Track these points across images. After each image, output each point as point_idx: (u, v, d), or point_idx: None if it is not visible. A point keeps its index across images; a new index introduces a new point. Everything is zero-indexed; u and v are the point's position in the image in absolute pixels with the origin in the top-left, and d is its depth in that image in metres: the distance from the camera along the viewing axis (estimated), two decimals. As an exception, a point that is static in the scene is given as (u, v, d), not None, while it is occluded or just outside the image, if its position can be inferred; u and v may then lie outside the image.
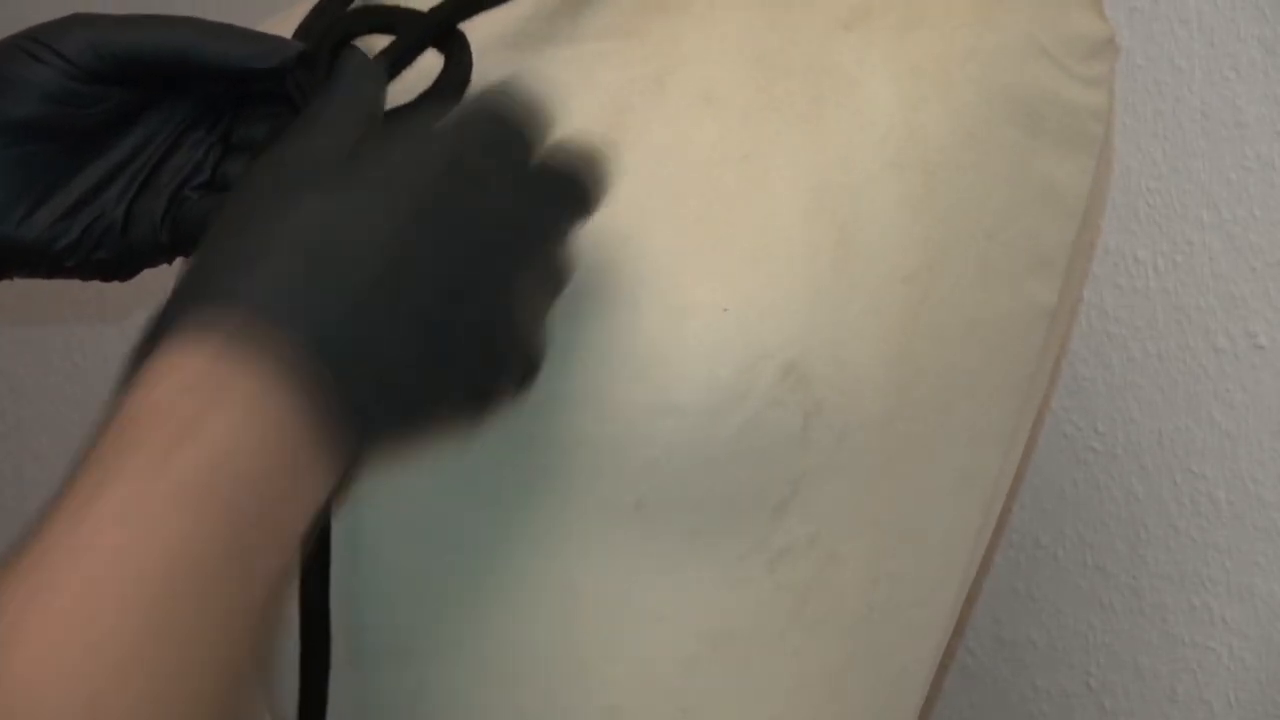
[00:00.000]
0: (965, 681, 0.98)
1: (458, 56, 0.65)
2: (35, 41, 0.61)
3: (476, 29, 0.67)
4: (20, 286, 0.69)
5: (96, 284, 0.68)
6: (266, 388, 0.50)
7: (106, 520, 0.47)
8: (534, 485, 0.65)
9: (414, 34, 0.64)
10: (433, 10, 0.66)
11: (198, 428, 0.49)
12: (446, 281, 0.55)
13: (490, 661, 0.66)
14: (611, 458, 0.63)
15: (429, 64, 0.65)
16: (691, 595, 0.65)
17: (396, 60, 0.64)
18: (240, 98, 0.65)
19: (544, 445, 0.64)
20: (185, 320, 0.51)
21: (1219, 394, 0.88)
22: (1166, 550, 0.91)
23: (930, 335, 0.65)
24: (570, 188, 0.59)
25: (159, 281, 0.71)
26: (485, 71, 0.65)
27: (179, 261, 0.67)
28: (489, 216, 0.56)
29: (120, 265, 0.65)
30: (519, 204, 0.57)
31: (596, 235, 0.62)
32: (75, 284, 0.69)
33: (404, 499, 0.67)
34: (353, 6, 0.68)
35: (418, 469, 0.68)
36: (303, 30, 0.66)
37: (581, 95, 0.66)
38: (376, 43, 0.65)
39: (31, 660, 0.44)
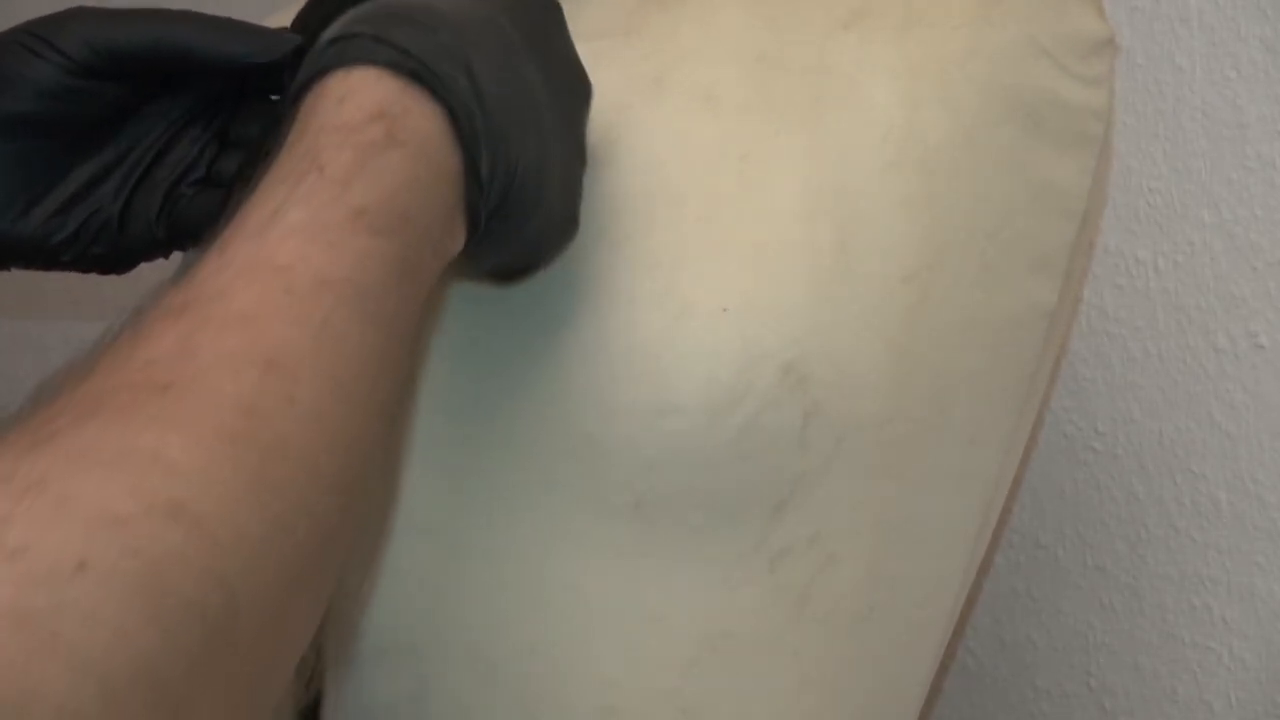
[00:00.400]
0: (965, 681, 0.98)
1: None
2: (33, 36, 0.61)
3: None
4: (20, 284, 0.69)
5: (96, 280, 0.68)
6: (441, 137, 0.54)
7: (288, 235, 0.49)
8: (533, 485, 0.65)
9: None
10: None
11: (380, 156, 0.52)
12: (552, 96, 0.58)
13: (490, 661, 0.66)
14: (610, 457, 0.63)
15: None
16: (691, 595, 0.65)
17: None
18: (237, 93, 0.65)
19: (543, 445, 0.64)
20: (364, 58, 0.53)
21: (1220, 394, 0.88)
22: (1167, 550, 0.91)
23: (930, 335, 0.65)
24: (584, 75, 0.62)
25: (158, 275, 0.72)
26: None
27: (176, 256, 0.67)
28: (557, 59, 0.60)
29: (117, 260, 0.66)
30: (570, 62, 0.61)
31: (595, 235, 0.62)
32: (75, 282, 0.69)
33: (405, 498, 0.67)
34: None
35: (417, 469, 0.68)
36: (299, 22, 0.66)
37: (581, 94, 0.66)
38: None
39: (205, 364, 0.46)
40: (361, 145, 0.52)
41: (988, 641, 0.98)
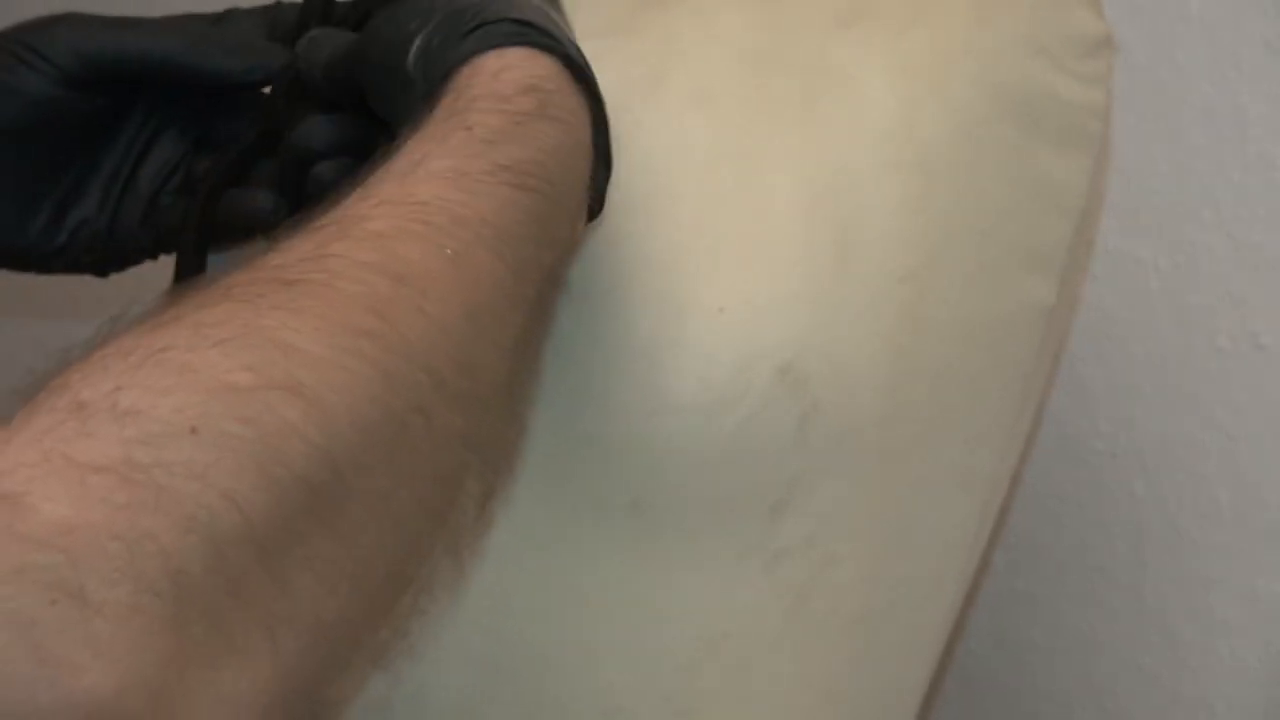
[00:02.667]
0: (965, 681, 0.98)
1: None
2: (22, 45, 0.61)
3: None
4: (16, 282, 0.70)
5: (95, 280, 0.69)
6: (584, 119, 0.57)
7: (430, 178, 0.51)
8: (531, 485, 0.65)
9: None
10: None
11: (530, 124, 0.54)
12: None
13: (489, 661, 0.66)
14: (608, 457, 0.63)
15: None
16: (689, 596, 0.65)
17: None
18: (217, 97, 0.65)
19: (541, 446, 0.64)
20: (516, 40, 0.56)
21: (1221, 394, 0.88)
22: (1168, 551, 0.90)
23: (928, 334, 0.65)
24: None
25: (156, 273, 0.72)
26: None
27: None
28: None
29: (106, 264, 0.66)
30: None
31: (593, 235, 0.62)
32: (73, 281, 0.69)
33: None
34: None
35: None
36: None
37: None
38: None
39: (336, 269, 0.47)
40: (512, 113, 0.54)
41: (987, 642, 0.98)
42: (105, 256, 0.66)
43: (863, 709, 0.69)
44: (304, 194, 0.61)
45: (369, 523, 0.45)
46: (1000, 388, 0.69)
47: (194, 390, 0.41)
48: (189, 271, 0.63)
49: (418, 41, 0.56)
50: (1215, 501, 0.89)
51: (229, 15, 0.65)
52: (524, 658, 0.66)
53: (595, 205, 0.58)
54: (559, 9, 0.62)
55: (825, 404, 0.63)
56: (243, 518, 0.41)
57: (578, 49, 0.57)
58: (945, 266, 0.65)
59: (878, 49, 0.66)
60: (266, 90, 0.64)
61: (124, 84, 0.63)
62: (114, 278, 0.68)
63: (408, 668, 0.68)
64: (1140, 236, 0.91)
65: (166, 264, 0.71)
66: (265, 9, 0.66)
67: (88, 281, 0.70)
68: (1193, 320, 0.89)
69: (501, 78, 0.55)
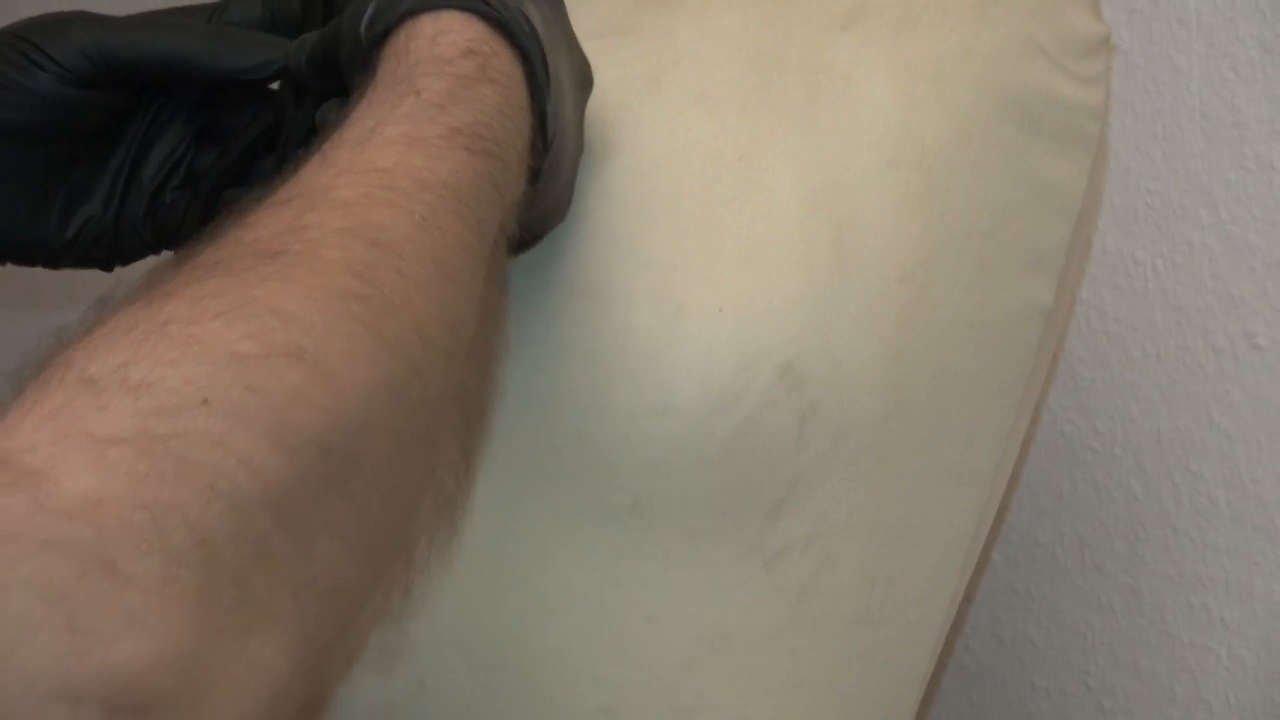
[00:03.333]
0: (964, 681, 0.98)
1: None
2: (31, 45, 0.61)
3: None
4: (13, 275, 0.70)
5: (93, 275, 0.69)
6: (520, 82, 0.57)
7: (388, 145, 0.52)
8: (530, 486, 0.65)
9: None
10: None
11: (474, 87, 0.55)
12: (571, 78, 0.62)
13: (488, 661, 0.66)
14: (607, 458, 0.63)
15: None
16: (688, 596, 0.65)
17: None
18: (220, 92, 0.66)
19: (540, 445, 0.64)
20: (448, 4, 0.57)
21: (1218, 394, 0.88)
22: (1165, 550, 0.90)
23: (927, 335, 0.65)
24: (588, 67, 0.64)
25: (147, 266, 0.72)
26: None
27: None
28: (575, 46, 0.64)
29: (112, 259, 0.66)
30: (579, 51, 0.64)
31: (592, 235, 0.62)
32: (71, 275, 0.69)
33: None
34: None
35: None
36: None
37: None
38: None
39: (313, 238, 0.48)
40: (456, 76, 0.55)
41: (986, 640, 0.98)
42: (111, 252, 0.66)
43: (862, 708, 0.69)
44: None
45: (377, 484, 0.46)
46: (999, 387, 0.69)
47: (201, 361, 0.42)
48: None
49: (369, 9, 0.57)
50: (1212, 501, 0.89)
51: (229, 4, 0.65)
52: (522, 657, 0.66)
53: (534, 170, 0.58)
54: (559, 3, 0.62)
55: (825, 404, 0.63)
56: (262, 483, 0.41)
57: (517, 11, 0.57)
58: (944, 267, 0.65)
59: (877, 49, 0.66)
60: (275, 86, 0.64)
61: (135, 82, 0.63)
62: (116, 275, 0.69)
63: (407, 666, 0.68)
64: (1137, 237, 0.91)
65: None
66: None
67: (84, 273, 0.70)
68: (1190, 320, 0.89)
69: (439, 41, 0.56)
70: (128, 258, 0.66)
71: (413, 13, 0.56)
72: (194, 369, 0.41)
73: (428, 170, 0.52)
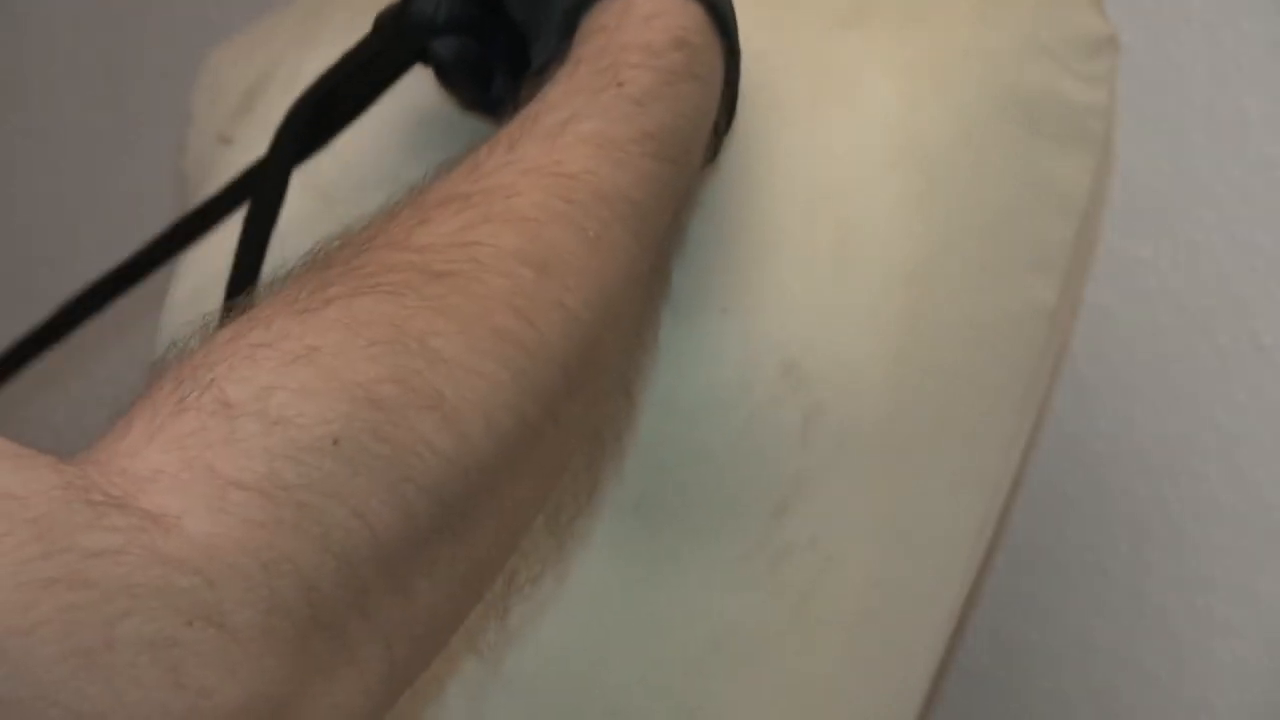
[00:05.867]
0: (965, 682, 0.98)
1: None
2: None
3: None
4: (18, 285, 0.70)
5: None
6: (720, 69, 0.56)
7: (578, 143, 0.51)
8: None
9: None
10: None
11: (678, 84, 0.54)
12: None
13: (491, 661, 0.66)
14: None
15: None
16: (693, 596, 0.65)
17: None
18: None
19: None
20: None
21: (1222, 394, 0.88)
22: (1168, 551, 0.90)
23: (930, 335, 0.65)
24: None
25: (155, 282, 0.72)
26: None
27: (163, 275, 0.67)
28: None
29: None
30: None
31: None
32: (73, 284, 0.69)
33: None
34: None
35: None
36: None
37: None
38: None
39: (482, 258, 0.47)
40: (662, 70, 0.54)
41: (988, 642, 0.97)
42: None
43: (865, 708, 0.69)
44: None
45: (487, 522, 0.46)
46: (1003, 388, 0.69)
47: (340, 399, 0.42)
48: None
49: None
50: (1216, 501, 0.89)
51: None
52: (526, 657, 0.66)
53: (710, 153, 0.58)
54: None
55: (828, 404, 0.63)
56: (372, 535, 0.41)
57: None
58: (948, 267, 0.65)
59: (880, 49, 0.66)
60: None
61: None
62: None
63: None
64: (1141, 236, 0.90)
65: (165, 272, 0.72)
66: None
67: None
68: (1193, 320, 0.89)
69: (653, 25, 0.55)
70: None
71: None
72: (332, 407, 0.42)
73: (613, 181, 0.51)
